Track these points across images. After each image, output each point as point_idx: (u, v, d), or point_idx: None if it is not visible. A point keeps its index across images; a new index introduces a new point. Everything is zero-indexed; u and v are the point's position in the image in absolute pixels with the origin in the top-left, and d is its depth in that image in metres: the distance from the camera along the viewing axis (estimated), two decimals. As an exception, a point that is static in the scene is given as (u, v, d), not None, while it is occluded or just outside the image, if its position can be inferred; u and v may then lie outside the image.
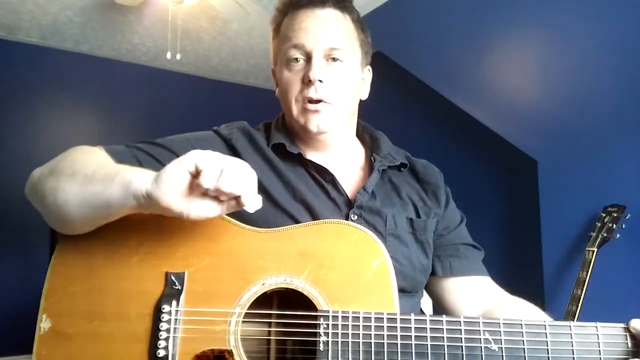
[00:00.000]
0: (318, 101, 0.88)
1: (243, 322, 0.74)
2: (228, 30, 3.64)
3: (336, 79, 0.89)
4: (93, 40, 3.80)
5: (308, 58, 0.88)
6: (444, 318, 0.71)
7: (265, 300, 0.77)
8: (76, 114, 3.97)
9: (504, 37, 2.50)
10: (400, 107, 3.65)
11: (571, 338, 0.70)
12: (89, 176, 0.71)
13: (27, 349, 0.81)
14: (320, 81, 0.87)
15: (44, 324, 0.76)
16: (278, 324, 0.77)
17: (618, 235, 1.95)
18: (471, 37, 2.59)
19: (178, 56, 3.32)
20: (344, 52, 0.89)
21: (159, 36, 3.69)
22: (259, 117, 1.05)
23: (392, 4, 2.98)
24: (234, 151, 0.91)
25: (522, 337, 0.70)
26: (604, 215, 2.01)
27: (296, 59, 0.89)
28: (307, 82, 0.88)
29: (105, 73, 4.06)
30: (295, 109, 0.91)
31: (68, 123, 3.92)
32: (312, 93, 0.87)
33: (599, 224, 2.00)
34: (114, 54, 4.06)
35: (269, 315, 0.77)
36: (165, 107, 4.25)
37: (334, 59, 0.89)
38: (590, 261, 1.94)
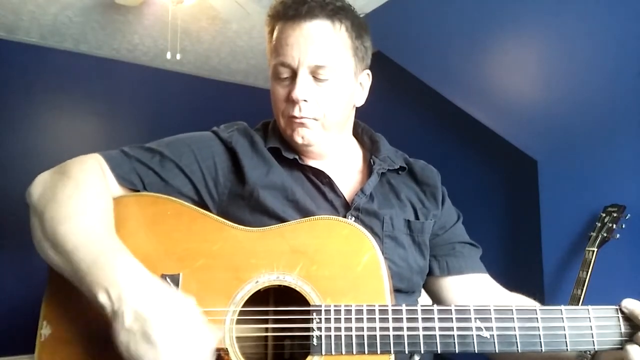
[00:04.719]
0: (302, 118, 0.87)
1: (238, 320, 0.74)
2: (228, 30, 3.64)
3: (322, 97, 0.87)
4: (93, 40, 3.80)
5: (294, 75, 0.86)
6: (435, 307, 0.72)
7: (261, 298, 0.77)
8: (76, 113, 3.98)
9: (504, 37, 2.50)
10: (399, 107, 3.65)
11: (563, 322, 0.70)
12: (72, 249, 0.71)
13: (28, 349, 0.81)
14: (305, 100, 0.86)
15: (44, 330, 0.77)
16: (272, 321, 0.77)
17: (618, 235, 1.94)
18: (471, 37, 2.58)
19: (178, 56, 3.32)
20: (330, 70, 0.86)
21: (159, 36, 3.69)
22: (258, 117, 1.05)
23: (392, 4, 2.98)
24: (233, 154, 0.91)
25: (514, 322, 0.70)
26: (604, 215, 2.00)
27: (283, 76, 0.88)
28: (291, 101, 0.87)
29: (105, 73, 4.06)
30: (282, 122, 0.91)
31: (68, 123, 3.93)
32: (295, 112, 0.87)
33: (599, 224, 2.00)
34: (114, 54, 4.06)
35: (264, 313, 0.77)
36: (165, 107, 4.26)
37: (320, 79, 0.86)
38: (590, 261, 1.93)
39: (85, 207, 0.76)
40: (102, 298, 0.67)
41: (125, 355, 0.65)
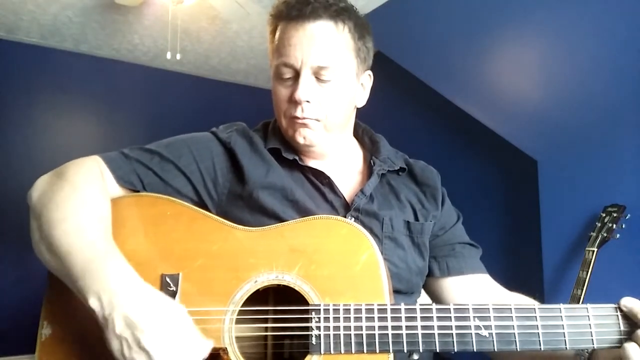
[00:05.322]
0: (304, 119, 0.87)
1: (238, 320, 0.74)
2: (228, 30, 3.64)
3: (325, 98, 0.87)
4: (93, 40, 3.80)
5: (296, 75, 0.86)
6: (434, 306, 0.72)
7: (260, 298, 0.77)
8: (76, 114, 3.98)
9: (504, 37, 2.50)
10: (400, 107, 3.65)
11: (562, 321, 0.70)
12: (65, 253, 0.72)
13: (28, 349, 0.81)
14: (308, 101, 0.86)
15: (44, 330, 0.77)
16: (272, 321, 0.77)
17: (618, 235, 1.94)
18: (471, 37, 2.58)
19: (178, 56, 3.32)
20: (333, 70, 0.86)
21: (159, 36, 3.69)
22: (259, 117, 1.05)
23: (392, 4, 2.98)
24: (232, 154, 0.91)
25: (512, 321, 0.70)
26: (604, 215, 2.00)
27: (286, 76, 0.87)
28: (293, 101, 0.86)
29: (105, 73, 4.06)
30: (283, 122, 0.91)
31: (68, 123, 3.93)
32: (298, 112, 0.86)
33: (599, 224, 2.00)
34: (114, 54, 4.06)
35: (263, 313, 0.77)
36: (165, 108, 4.26)
37: (323, 80, 0.86)
38: (590, 261, 1.94)
39: (79, 209, 0.76)
40: (93, 303, 0.67)
41: None
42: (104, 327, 0.66)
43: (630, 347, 0.68)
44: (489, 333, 0.70)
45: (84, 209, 0.76)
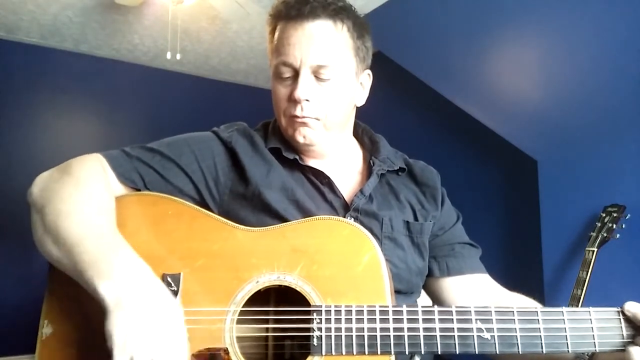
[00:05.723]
0: (304, 117, 0.87)
1: (239, 320, 0.74)
2: (228, 31, 3.64)
3: (324, 97, 0.87)
4: (93, 40, 3.80)
5: (296, 74, 0.86)
6: (436, 308, 0.72)
7: (262, 298, 0.77)
8: (76, 114, 3.98)
9: (504, 37, 2.50)
10: (400, 107, 3.65)
11: (564, 324, 0.70)
12: (73, 243, 0.71)
13: (28, 349, 0.81)
14: (307, 100, 0.86)
15: (45, 329, 0.77)
16: (273, 321, 0.78)
17: (618, 235, 1.94)
18: (471, 37, 2.59)
19: (178, 56, 3.32)
20: (332, 69, 0.86)
21: (159, 36, 3.69)
22: (259, 117, 1.05)
23: (392, 4, 2.98)
24: (233, 154, 0.91)
25: (515, 324, 0.71)
26: (604, 215, 2.00)
27: (285, 76, 0.88)
28: (293, 100, 0.87)
29: (105, 73, 4.07)
30: (283, 121, 0.91)
31: (68, 123, 3.93)
32: (297, 111, 0.87)
33: (599, 224, 2.00)
34: (114, 54, 4.07)
35: (264, 313, 0.78)
36: (165, 107, 4.26)
37: (322, 79, 0.86)
38: (590, 261, 1.94)
39: (86, 202, 0.76)
40: (101, 293, 0.67)
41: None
42: (109, 314, 0.66)
43: (634, 350, 0.68)
44: (491, 335, 0.70)
45: (90, 202, 0.76)
